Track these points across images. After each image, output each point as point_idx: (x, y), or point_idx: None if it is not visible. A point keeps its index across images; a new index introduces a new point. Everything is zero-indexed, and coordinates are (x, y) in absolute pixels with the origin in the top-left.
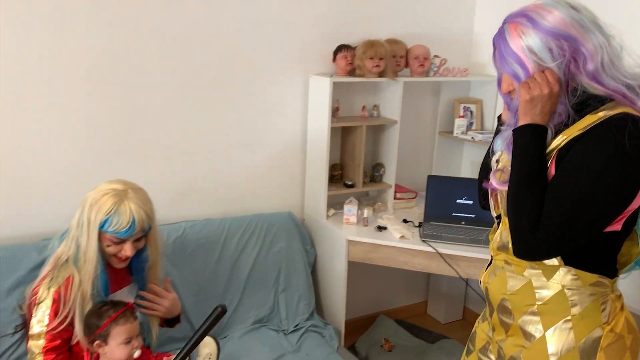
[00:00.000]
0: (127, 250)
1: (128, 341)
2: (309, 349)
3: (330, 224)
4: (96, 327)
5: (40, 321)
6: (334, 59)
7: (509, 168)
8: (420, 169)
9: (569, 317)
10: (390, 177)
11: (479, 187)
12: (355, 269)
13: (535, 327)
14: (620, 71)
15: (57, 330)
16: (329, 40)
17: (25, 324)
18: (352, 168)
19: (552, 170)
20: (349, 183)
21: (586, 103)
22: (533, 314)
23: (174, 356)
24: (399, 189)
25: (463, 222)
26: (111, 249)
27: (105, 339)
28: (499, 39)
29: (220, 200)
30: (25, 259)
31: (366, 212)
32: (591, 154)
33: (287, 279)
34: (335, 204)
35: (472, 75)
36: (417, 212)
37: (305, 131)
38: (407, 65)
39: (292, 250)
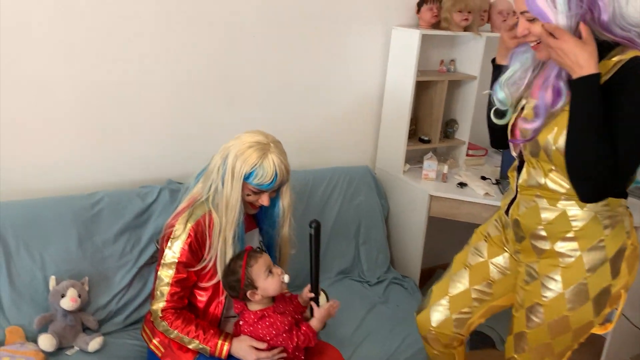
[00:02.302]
0: (265, 200)
1: (270, 271)
2: (396, 300)
3: (407, 178)
4: (238, 281)
5: (174, 253)
6: (418, 10)
7: (538, 110)
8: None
9: (602, 238)
10: (463, 133)
11: (488, 127)
12: None
13: (571, 250)
14: (627, 20)
15: (188, 265)
16: None
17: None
18: (429, 123)
19: None
20: (425, 138)
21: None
22: (569, 239)
23: (308, 287)
24: (470, 145)
25: None
26: (250, 198)
27: (252, 285)
28: None
29: (298, 150)
30: (129, 206)
31: (446, 168)
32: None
33: (366, 231)
34: (409, 159)
35: None
36: (487, 169)
37: (383, 84)
38: (488, 19)
39: (370, 203)
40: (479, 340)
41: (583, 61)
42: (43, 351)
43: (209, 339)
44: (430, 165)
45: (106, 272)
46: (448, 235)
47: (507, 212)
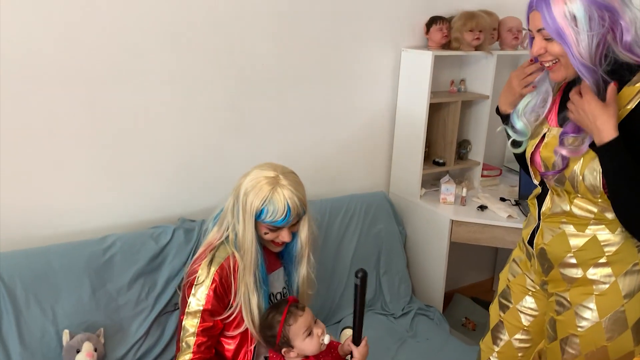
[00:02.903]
0: (285, 236)
1: (309, 333)
2: (425, 333)
3: (425, 203)
4: (273, 337)
5: (199, 300)
6: (427, 31)
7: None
8: (499, 145)
9: (637, 261)
10: (477, 154)
11: (523, 170)
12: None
13: (605, 276)
14: (635, 47)
15: (214, 312)
16: (419, 13)
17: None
18: (442, 145)
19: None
20: (440, 161)
21: (615, 71)
22: (602, 265)
23: (350, 339)
24: (484, 166)
25: None
26: (269, 236)
27: (288, 343)
28: (541, 2)
29: (312, 179)
30: (142, 249)
31: (464, 191)
32: None
33: (387, 261)
34: (424, 183)
35: None
36: (503, 189)
37: (394, 107)
38: (498, 37)
39: (389, 231)
40: None
41: (600, 124)
42: None
43: None
44: (448, 189)
45: (121, 321)
46: (465, 259)
47: (530, 242)
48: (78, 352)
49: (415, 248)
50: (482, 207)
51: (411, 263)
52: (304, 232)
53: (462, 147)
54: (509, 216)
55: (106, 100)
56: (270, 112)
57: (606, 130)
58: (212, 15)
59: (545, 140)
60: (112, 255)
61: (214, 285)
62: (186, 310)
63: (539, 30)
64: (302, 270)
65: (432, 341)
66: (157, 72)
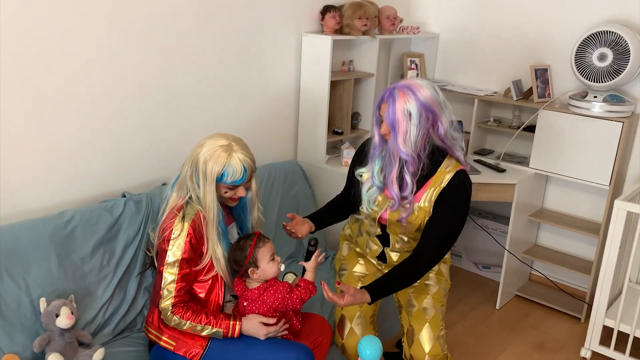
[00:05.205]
0: (242, 192)
1: (272, 258)
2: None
3: (330, 167)
4: (244, 257)
5: (177, 251)
6: (322, 18)
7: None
8: None
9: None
10: (366, 123)
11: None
12: None
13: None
14: (451, 135)
15: (190, 260)
16: (315, 2)
17: (152, 263)
18: (340, 117)
19: (431, 211)
20: (339, 130)
21: (433, 152)
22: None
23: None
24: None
25: None
26: (228, 194)
27: (255, 264)
28: (389, 98)
29: None
30: (100, 221)
31: None
32: (458, 208)
33: None
34: (327, 150)
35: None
36: None
37: (298, 85)
38: (379, 24)
39: (304, 193)
40: None
41: (363, 300)
42: None
43: (221, 322)
44: (349, 154)
45: (88, 287)
46: None
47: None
48: (57, 316)
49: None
50: None
51: None
52: (254, 186)
53: (354, 118)
54: None
55: (44, 84)
56: (193, 91)
57: (366, 298)
58: None
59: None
60: (73, 227)
61: (188, 237)
62: (165, 261)
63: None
64: (255, 215)
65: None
66: (90, 54)
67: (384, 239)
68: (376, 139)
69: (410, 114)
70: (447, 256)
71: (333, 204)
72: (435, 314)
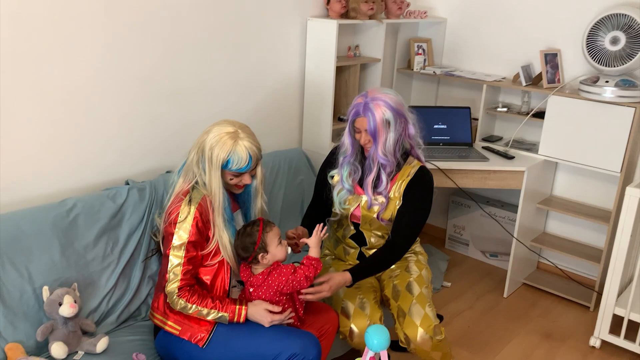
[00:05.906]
0: (247, 179)
1: (280, 241)
2: None
3: None
4: (253, 243)
5: (183, 234)
6: (327, 2)
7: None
8: None
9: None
10: None
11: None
12: None
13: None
14: (414, 138)
15: (197, 244)
16: None
17: (158, 248)
18: (345, 103)
19: (401, 200)
20: (345, 118)
21: (405, 153)
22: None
23: None
24: None
25: (441, 144)
26: (234, 181)
27: (265, 249)
28: (367, 111)
29: None
30: (102, 209)
31: None
32: (424, 195)
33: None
34: (332, 137)
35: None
36: None
37: (303, 71)
38: (385, 8)
39: (308, 181)
40: None
41: (343, 282)
42: None
43: (227, 307)
44: None
45: (92, 275)
46: None
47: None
48: (60, 304)
49: None
50: None
51: None
52: (259, 174)
53: None
54: None
55: (47, 72)
56: (197, 79)
57: (346, 279)
58: None
59: (362, 204)
60: (76, 216)
61: (195, 220)
62: (172, 244)
63: (365, 130)
64: (258, 203)
65: None
66: (93, 42)
67: (359, 239)
68: (348, 148)
69: (388, 122)
70: (422, 249)
71: (309, 216)
72: (420, 292)
